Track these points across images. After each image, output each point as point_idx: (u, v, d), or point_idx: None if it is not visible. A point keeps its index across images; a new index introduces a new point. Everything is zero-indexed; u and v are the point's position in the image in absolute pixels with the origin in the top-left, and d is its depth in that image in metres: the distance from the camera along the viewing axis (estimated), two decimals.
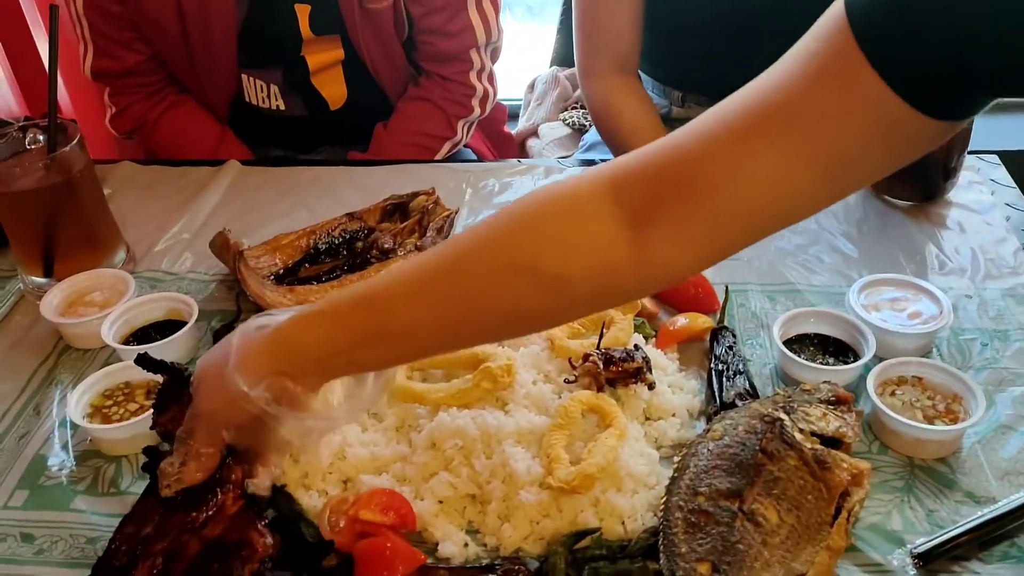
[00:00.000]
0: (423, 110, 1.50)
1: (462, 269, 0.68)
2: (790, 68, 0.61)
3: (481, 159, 1.62)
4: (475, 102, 1.51)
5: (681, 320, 1.02)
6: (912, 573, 0.76)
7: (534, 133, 1.91)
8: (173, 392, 0.91)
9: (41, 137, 1.10)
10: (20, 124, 1.13)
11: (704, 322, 1.01)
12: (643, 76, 1.56)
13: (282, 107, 1.49)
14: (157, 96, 1.48)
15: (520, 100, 2.02)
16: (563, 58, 1.94)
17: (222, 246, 1.08)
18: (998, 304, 1.05)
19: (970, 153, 1.27)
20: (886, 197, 1.24)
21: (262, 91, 1.49)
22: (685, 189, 0.63)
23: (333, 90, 1.49)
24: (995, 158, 1.32)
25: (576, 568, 0.77)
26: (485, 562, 0.79)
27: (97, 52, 1.42)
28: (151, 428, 0.88)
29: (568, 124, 1.86)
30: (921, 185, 1.22)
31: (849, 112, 0.58)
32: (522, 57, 2.36)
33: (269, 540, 0.78)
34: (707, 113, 0.64)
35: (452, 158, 1.53)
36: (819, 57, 0.59)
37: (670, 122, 1.54)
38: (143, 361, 0.93)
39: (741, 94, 0.63)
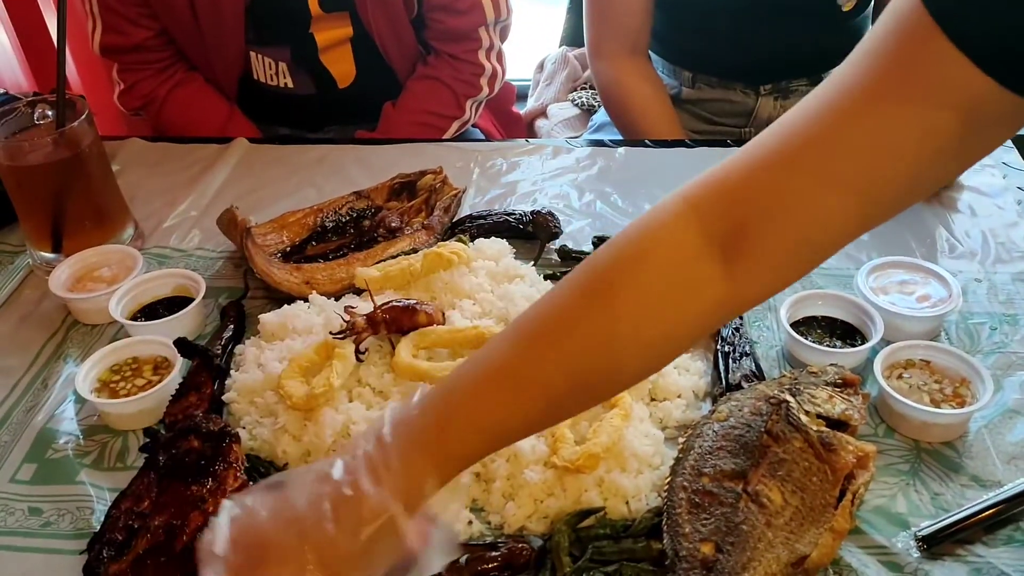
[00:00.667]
0: (431, 89, 1.49)
1: (553, 349, 0.64)
2: (865, 55, 0.59)
3: (489, 139, 1.61)
4: (484, 81, 1.50)
5: None
6: (916, 556, 0.76)
7: (543, 113, 1.90)
8: (198, 379, 0.92)
9: (50, 112, 1.10)
10: (29, 99, 1.13)
11: None
12: (653, 56, 1.55)
13: (290, 85, 1.49)
14: (165, 73, 1.48)
15: (529, 80, 2.01)
16: (573, 38, 1.93)
17: (229, 223, 1.08)
18: (1008, 288, 1.04)
19: None
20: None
21: (270, 68, 1.48)
22: (768, 210, 0.61)
23: (341, 68, 1.49)
24: (1008, 141, 1.30)
25: (579, 547, 0.77)
26: (489, 539, 0.79)
27: (106, 28, 1.42)
28: (163, 417, 0.89)
29: (577, 104, 1.85)
30: None
31: (930, 93, 0.56)
32: (531, 37, 2.35)
33: None
34: (772, 126, 0.62)
35: (460, 138, 1.52)
36: (896, 39, 0.57)
37: (680, 103, 1.54)
38: (180, 345, 0.94)
39: (812, 96, 0.61)
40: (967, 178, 1.22)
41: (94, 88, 1.69)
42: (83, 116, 1.07)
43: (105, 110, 1.59)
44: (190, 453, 0.82)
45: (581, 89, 1.89)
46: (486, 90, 1.51)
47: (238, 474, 0.80)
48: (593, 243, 1.15)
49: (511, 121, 1.76)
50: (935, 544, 0.76)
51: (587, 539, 0.78)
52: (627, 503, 0.81)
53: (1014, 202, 1.19)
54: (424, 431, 0.63)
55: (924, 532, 0.77)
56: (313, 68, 1.48)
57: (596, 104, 1.77)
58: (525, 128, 1.84)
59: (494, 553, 0.76)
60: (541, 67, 1.99)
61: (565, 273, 1.07)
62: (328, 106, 1.53)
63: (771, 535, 0.75)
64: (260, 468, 0.84)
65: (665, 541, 0.76)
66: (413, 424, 0.63)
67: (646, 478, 0.83)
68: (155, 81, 1.47)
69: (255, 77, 1.49)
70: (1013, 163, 1.26)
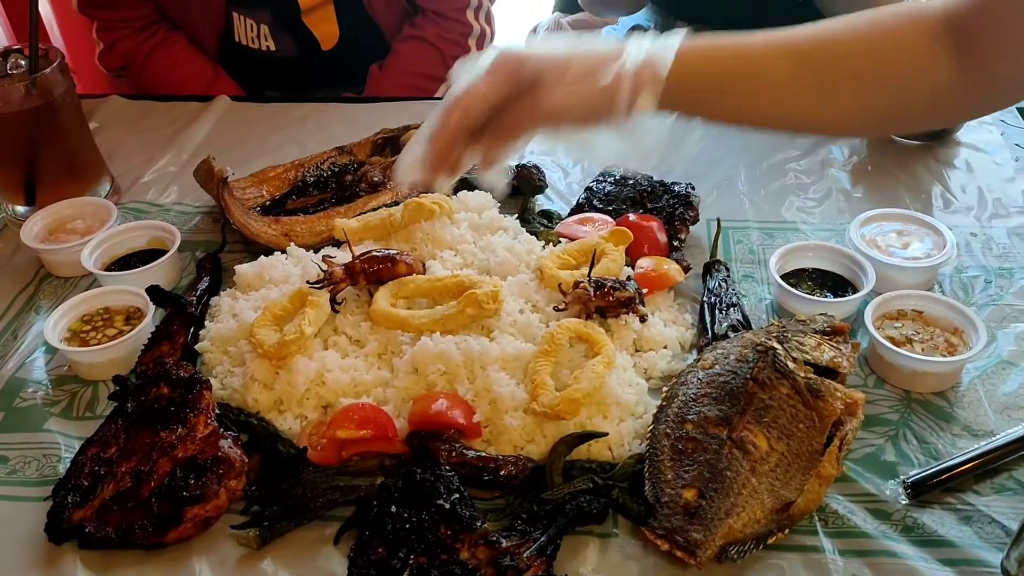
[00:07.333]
0: (417, 50, 1.46)
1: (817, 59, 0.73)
2: None
3: None
4: (472, 41, 1.47)
5: (646, 263, 0.95)
6: (904, 503, 0.74)
7: None
8: (171, 328, 0.90)
9: (23, 62, 1.07)
10: (1, 50, 1.10)
11: (673, 269, 0.95)
12: (652, 7, 1.52)
13: (272, 47, 1.46)
14: (145, 32, 1.44)
15: None
16: (566, 3, 1.90)
17: (206, 174, 1.05)
18: (1004, 242, 1.02)
19: None
20: (892, 136, 1.20)
21: (252, 30, 1.45)
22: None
23: (324, 29, 1.45)
24: None
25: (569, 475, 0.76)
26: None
27: None
28: (135, 366, 0.86)
29: None
30: None
31: None
32: (525, 3, 2.33)
33: (246, 458, 0.76)
34: None
35: None
36: None
37: None
38: (152, 293, 0.91)
39: None
40: (964, 135, 1.20)
41: (78, 50, 1.65)
42: (55, 63, 1.04)
43: (90, 73, 1.56)
44: (159, 400, 0.79)
45: None
46: (474, 51, 1.48)
47: (208, 421, 0.78)
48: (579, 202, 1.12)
49: None
50: (924, 491, 0.74)
51: (578, 470, 0.76)
52: (610, 449, 0.79)
53: (1011, 158, 1.16)
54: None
55: (913, 479, 0.75)
56: (295, 30, 1.44)
57: None
58: None
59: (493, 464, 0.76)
60: (534, 34, 1.96)
61: (549, 227, 1.05)
62: (312, 69, 1.50)
63: (755, 481, 0.73)
64: (230, 416, 0.81)
65: (647, 487, 0.74)
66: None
67: (628, 426, 0.80)
68: (134, 41, 1.44)
69: (236, 39, 1.46)
70: (1012, 121, 1.24)
